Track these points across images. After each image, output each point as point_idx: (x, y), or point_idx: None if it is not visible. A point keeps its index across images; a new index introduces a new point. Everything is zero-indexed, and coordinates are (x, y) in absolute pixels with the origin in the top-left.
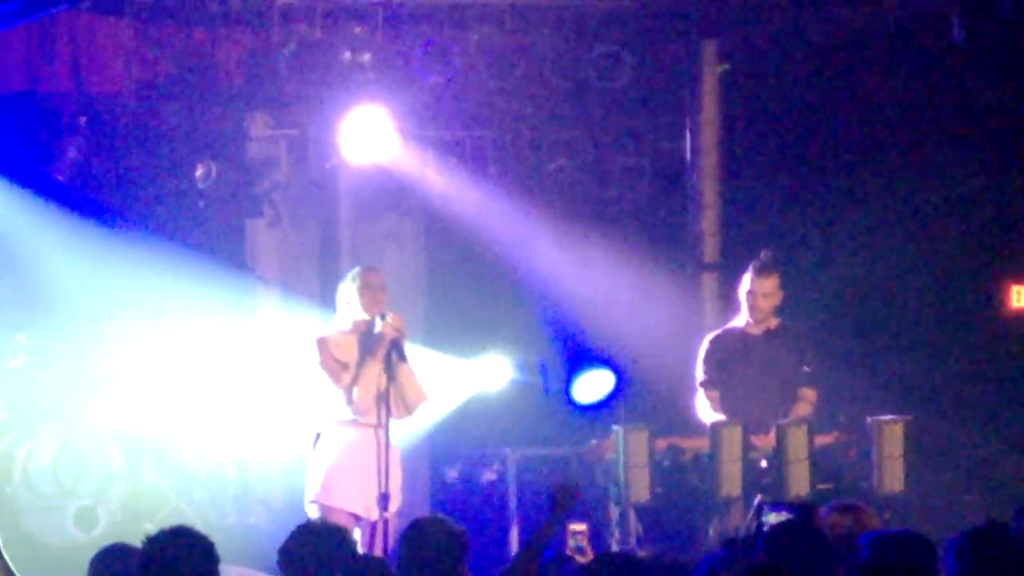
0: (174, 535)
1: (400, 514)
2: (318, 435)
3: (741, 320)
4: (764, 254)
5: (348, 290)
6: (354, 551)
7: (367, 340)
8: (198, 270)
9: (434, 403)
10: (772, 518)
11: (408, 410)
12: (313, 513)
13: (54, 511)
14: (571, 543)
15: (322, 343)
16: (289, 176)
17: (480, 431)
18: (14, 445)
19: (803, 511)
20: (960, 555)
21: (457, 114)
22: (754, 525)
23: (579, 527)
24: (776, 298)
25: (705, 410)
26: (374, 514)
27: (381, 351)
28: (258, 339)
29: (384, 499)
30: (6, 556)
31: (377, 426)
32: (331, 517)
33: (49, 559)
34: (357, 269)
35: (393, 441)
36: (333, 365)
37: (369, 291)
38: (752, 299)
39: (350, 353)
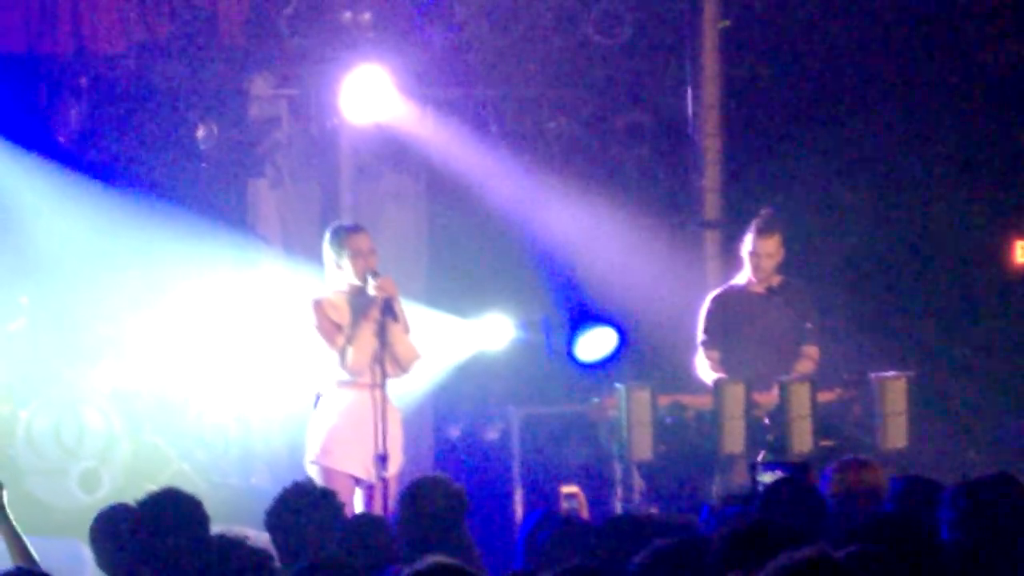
0: (163, 497)
1: (402, 474)
2: (318, 396)
3: (743, 278)
4: (765, 213)
5: (338, 255)
6: (341, 513)
7: (359, 301)
8: (200, 230)
9: (431, 360)
10: (767, 478)
11: (403, 368)
12: (313, 474)
13: (57, 473)
14: (564, 505)
15: (318, 305)
16: (290, 136)
17: (483, 390)
18: (17, 407)
19: (798, 469)
20: (955, 503)
21: (458, 73)
22: (750, 485)
23: (571, 489)
24: (778, 256)
25: (704, 370)
26: (374, 476)
27: (374, 312)
28: (260, 299)
29: (382, 459)
30: (12, 517)
31: (373, 386)
32: (331, 479)
33: (53, 520)
34: (341, 232)
35: (395, 401)
36: (329, 327)
37: (360, 257)
38: (756, 260)
39: (344, 314)
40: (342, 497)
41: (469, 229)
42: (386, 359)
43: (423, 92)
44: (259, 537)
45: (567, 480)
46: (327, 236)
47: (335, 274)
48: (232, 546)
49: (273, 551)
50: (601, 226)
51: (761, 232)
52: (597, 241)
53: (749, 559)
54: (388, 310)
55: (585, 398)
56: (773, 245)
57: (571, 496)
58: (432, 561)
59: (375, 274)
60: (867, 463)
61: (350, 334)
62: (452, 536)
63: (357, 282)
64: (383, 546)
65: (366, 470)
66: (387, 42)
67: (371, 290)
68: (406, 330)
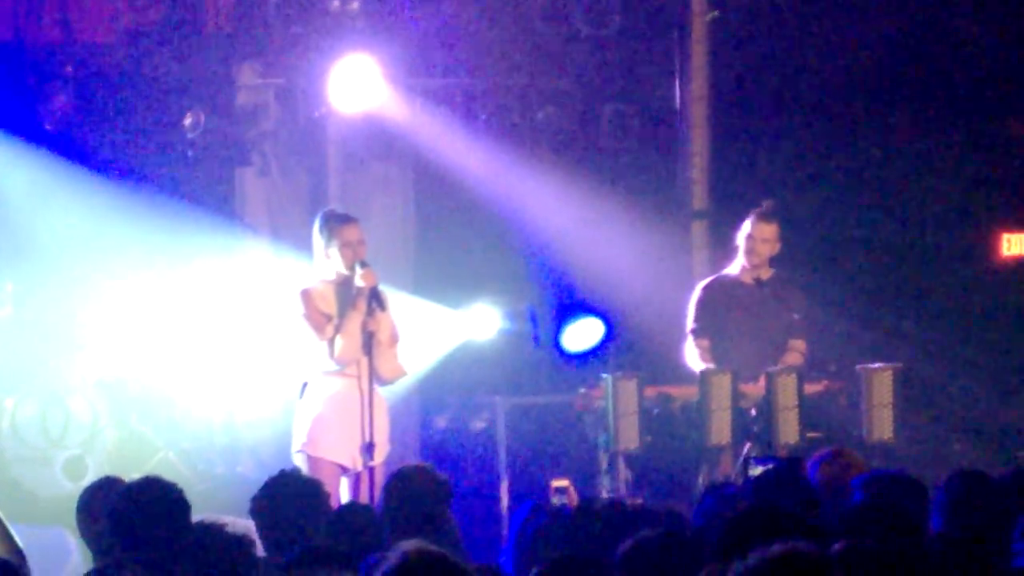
0: (143, 485)
1: (388, 463)
2: (305, 384)
3: (735, 268)
4: (767, 203)
5: (327, 243)
6: (326, 502)
7: (347, 291)
8: (187, 219)
9: (418, 350)
10: (758, 471)
11: (384, 383)
12: (300, 463)
13: (43, 461)
14: (554, 500)
15: (306, 295)
16: (278, 125)
17: (470, 380)
18: (1, 395)
19: (791, 463)
20: (949, 491)
21: (446, 62)
22: (741, 479)
23: (561, 483)
24: (774, 247)
25: (694, 358)
26: (360, 464)
27: (362, 302)
28: (247, 288)
29: (369, 448)
30: None
31: (360, 376)
32: (317, 467)
33: (39, 508)
34: (332, 221)
35: (380, 391)
36: (318, 317)
37: (349, 248)
38: (751, 243)
39: (332, 304)
40: (328, 486)
41: (456, 219)
42: (374, 354)
43: (411, 82)
44: (236, 524)
45: (553, 470)
46: (317, 222)
47: (323, 262)
48: (211, 532)
49: (256, 538)
50: (588, 216)
51: (761, 217)
52: (584, 231)
53: (741, 547)
54: (377, 299)
55: (572, 388)
56: (771, 232)
57: (561, 490)
58: (411, 548)
59: (363, 264)
60: (850, 454)
61: (338, 324)
62: (437, 524)
63: (345, 271)
64: (369, 534)
65: (352, 459)
66: (375, 31)
67: (357, 280)
68: (394, 340)
